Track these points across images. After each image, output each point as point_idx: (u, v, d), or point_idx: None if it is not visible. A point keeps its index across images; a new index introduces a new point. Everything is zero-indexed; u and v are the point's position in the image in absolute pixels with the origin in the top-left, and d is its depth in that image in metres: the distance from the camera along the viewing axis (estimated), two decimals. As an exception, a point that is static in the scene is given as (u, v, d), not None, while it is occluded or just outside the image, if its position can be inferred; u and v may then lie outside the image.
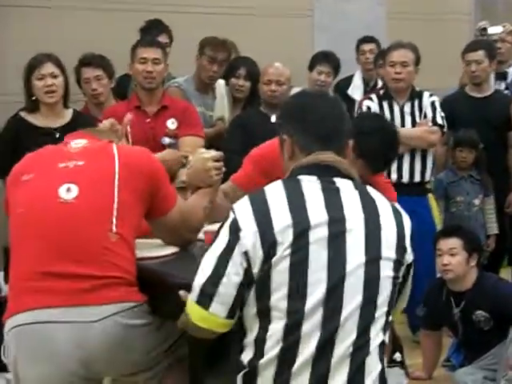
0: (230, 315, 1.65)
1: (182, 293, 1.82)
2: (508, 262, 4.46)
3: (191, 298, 1.67)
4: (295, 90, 4.20)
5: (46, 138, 2.75)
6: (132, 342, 1.93)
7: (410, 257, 1.73)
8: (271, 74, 3.74)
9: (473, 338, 3.14)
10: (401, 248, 1.70)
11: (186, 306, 1.78)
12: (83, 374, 1.91)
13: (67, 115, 3.33)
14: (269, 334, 1.61)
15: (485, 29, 4.73)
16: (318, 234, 1.61)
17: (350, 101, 4.36)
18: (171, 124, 3.42)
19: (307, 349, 1.60)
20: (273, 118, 3.76)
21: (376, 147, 2.44)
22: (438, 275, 3.28)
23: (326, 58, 4.46)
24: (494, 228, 4.04)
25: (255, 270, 1.61)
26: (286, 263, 1.60)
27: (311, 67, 4.47)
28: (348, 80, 4.82)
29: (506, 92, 4.51)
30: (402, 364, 2.95)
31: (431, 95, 3.86)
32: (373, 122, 2.63)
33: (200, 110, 3.83)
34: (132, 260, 1.99)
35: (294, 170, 1.72)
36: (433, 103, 3.83)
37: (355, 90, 4.75)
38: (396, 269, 1.69)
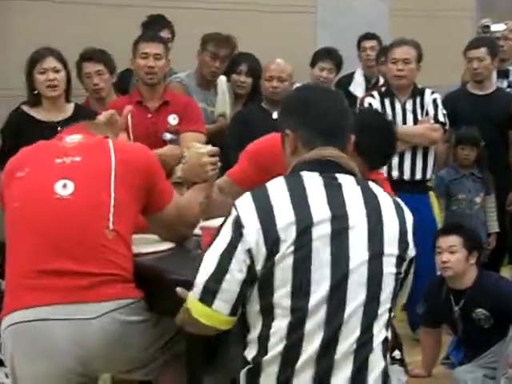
0: (233, 312, 1.65)
1: (179, 289, 1.81)
2: (509, 260, 4.46)
3: (194, 295, 1.66)
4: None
5: (49, 132, 2.75)
6: (129, 339, 1.93)
7: (412, 252, 1.73)
8: (273, 71, 3.73)
9: (473, 335, 3.14)
10: (403, 243, 1.70)
11: (183, 302, 1.78)
12: (81, 371, 1.91)
13: (69, 109, 3.33)
14: (272, 331, 1.61)
15: (487, 26, 4.73)
16: (321, 231, 1.61)
17: (352, 97, 4.35)
18: (172, 120, 3.41)
19: (311, 346, 1.60)
20: (274, 115, 3.75)
21: (373, 144, 2.43)
22: (439, 273, 3.28)
23: (329, 55, 4.45)
24: (494, 226, 4.03)
25: (258, 267, 1.60)
26: (290, 260, 1.59)
27: (313, 63, 4.46)
28: (350, 77, 4.82)
29: (508, 90, 4.50)
30: (401, 361, 2.94)
31: (433, 92, 3.85)
32: (370, 118, 2.62)
33: (201, 105, 3.83)
34: (129, 257, 1.99)
35: (296, 166, 1.71)
36: (435, 100, 3.82)
37: (357, 87, 4.74)
38: (398, 264, 1.69)
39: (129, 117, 3.35)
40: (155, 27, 4.14)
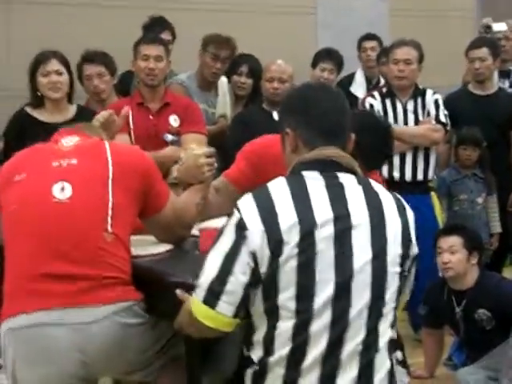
0: (236, 314, 1.64)
1: (178, 292, 1.82)
2: (511, 260, 4.45)
3: (197, 297, 1.66)
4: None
5: (51, 133, 2.75)
6: (129, 341, 1.93)
7: (415, 249, 1.73)
8: (274, 72, 3.72)
9: (475, 337, 3.13)
10: (406, 241, 1.70)
11: (182, 304, 1.78)
12: (82, 374, 1.90)
13: (72, 111, 3.34)
14: (277, 332, 1.61)
15: (489, 26, 4.72)
16: (325, 233, 1.61)
17: (353, 98, 4.35)
18: (173, 121, 3.41)
19: (317, 348, 1.60)
20: (275, 116, 3.75)
21: (370, 145, 2.43)
22: (440, 274, 3.27)
23: (329, 55, 4.45)
24: (497, 227, 4.03)
25: (262, 269, 1.60)
26: (294, 263, 1.59)
27: (314, 64, 4.46)
28: (350, 77, 4.82)
29: (509, 90, 4.50)
30: (403, 363, 2.93)
31: (434, 93, 3.85)
32: (365, 119, 2.62)
33: (202, 107, 3.83)
34: (127, 259, 1.98)
35: (297, 166, 1.70)
36: (436, 101, 3.82)
37: (358, 88, 4.74)
38: (402, 263, 1.69)
39: (130, 118, 3.38)
40: (156, 29, 4.14)
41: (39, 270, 1.90)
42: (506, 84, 4.60)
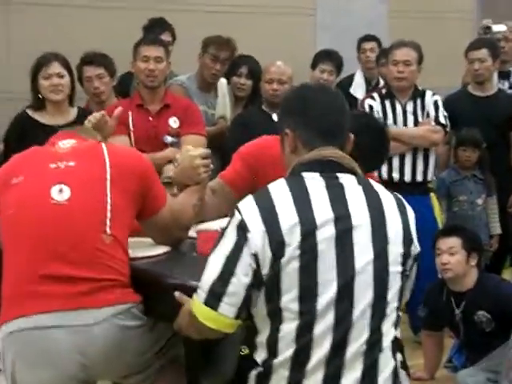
0: (238, 316, 1.64)
1: (177, 294, 1.82)
2: (510, 262, 4.45)
3: (199, 299, 1.65)
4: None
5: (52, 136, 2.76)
6: (128, 344, 1.92)
7: (416, 248, 1.74)
8: (273, 73, 3.72)
9: (474, 339, 3.13)
10: (407, 240, 1.70)
11: (181, 307, 1.78)
12: (82, 377, 1.90)
13: (72, 113, 3.35)
14: (281, 334, 1.61)
15: (489, 27, 4.72)
16: (326, 234, 1.61)
17: (352, 99, 4.35)
18: (173, 122, 3.41)
19: (321, 349, 1.60)
20: (274, 117, 3.74)
21: (365, 146, 2.43)
22: (440, 275, 3.27)
23: (329, 57, 4.45)
24: (496, 228, 4.02)
25: (264, 271, 1.60)
26: (296, 264, 1.59)
27: (314, 65, 4.46)
28: (350, 78, 4.82)
29: (509, 91, 4.49)
30: (403, 364, 2.93)
31: (434, 94, 3.85)
32: (360, 120, 2.62)
33: (202, 108, 3.83)
34: (126, 261, 1.98)
35: (297, 167, 1.70)
36: (435, 102, 3.82)
37: (357, 89, 4.74)
38: (404, 262, 1.70)
39: (130, 120, 3.39)
40: (156, 30, 4.15)
41: (38, 271, 1.89)
42: (506, 85, 4.60)
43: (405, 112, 3.81)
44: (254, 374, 1.65)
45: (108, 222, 1.94)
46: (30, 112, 3.35)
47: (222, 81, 4.09)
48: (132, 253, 2.06)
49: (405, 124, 3.80)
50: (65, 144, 2.08)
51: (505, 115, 4.06)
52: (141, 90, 3.47)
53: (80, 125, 2.33)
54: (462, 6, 6.07)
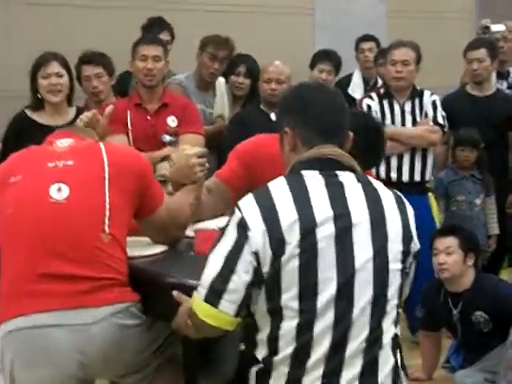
0: (238, 313, 1.64)
1: (175, 293, 1.82)
2: (508, 263, 4.44)
3: (199, 296, 1.65)
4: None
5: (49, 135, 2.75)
6: (126, 343, 1.92)
7: (416, 245, 1.74)
8: (271, 73, 3.72)
9: (472, 339, 3.12)
10: (407, 237, 1.71)
11: (179, 306, 1.79)
12: (81, 376, 1.90)
13: (71, 113, 3.35)
14: (281, 332, 1.62)
15: (487, 27, 4.72)
16: (325, 232, 1.61)
17: (350, 99, 4.35)
18: (171, 121, 3.41)
19: (321, 347, 1.61)
20: (273, 116, 3.75)
21: (362, 145, 2.43)
22: (436, 275, 3.26)
23: (327, 56, 4.45)
24: (495, 228, 4.02)
25: (265, 269, 1.60)
26: (296, 263, 1.59)
27: (312, 65, 4.46)
28: (348, 78, 4.81)
29: (507, 91, 4.49)
30: (401, 364, 2.93)
31: (432, 94, 3.85)
32: (357, 119, 2.62)
33: (200, 107, 3.83)
34: (124, 260, 1.98)
35: (296, 165, 1.71)
36: (434, 102, 3.82)
37: (355, 89, 4.74)
38: (404, 260, 1.70)
39: (128, 119, 3.39)
40: (155, 29, 4.15)
41: (36, 270, 1.89)
42: (504, 85, 4.60)
43: (403, 112, 3.81)
44: (254, 370, 1.66)
45: (106, 221, 1.94)
46: (28, 112, 3.36)
47: (221, 80, 4.09)
48: (129, 252, 2.06)
49: (403, 124, 3.80)
50: (63, 143, 2.08)
51: (503, 115, 4.06)
52: (139, 89, 3.48)
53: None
54: (461, 6, 6.07)
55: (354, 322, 1.62)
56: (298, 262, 1.59)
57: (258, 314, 1.65)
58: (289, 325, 1.61)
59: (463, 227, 3.33)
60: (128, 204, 2.02)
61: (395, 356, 1.70)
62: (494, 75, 4.39)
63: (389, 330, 1.67)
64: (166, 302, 1.87)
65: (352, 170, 1.72)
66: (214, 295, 1.62)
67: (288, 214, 1.61)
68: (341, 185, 1.68)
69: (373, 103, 3.81)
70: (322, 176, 1.67)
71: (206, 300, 1.63)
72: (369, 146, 2.45)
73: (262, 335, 1.65)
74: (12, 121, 3.39)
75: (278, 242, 1.59)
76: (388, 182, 3.60)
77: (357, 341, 1.62)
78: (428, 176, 3.84)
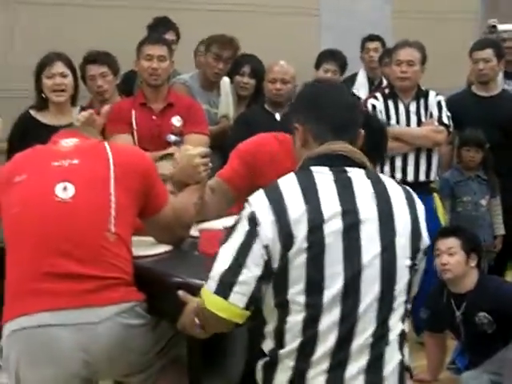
0: (248, 306, 1.65)
1: (180, 293, 1.82)
2: (514, 263, 4.43)
3: (209, 289, 1.66)
4: (301, 88, 4.20)
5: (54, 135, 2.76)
6: (131, 342, 1.92)
7: (425, 242, 1.74)
8: (276, 72, 3.72)
9: (476, 341, 3.11)
10: (416, 234, 1.71)
11: (184, 305, 1.79)
12: (85, 375, 1.90)
13: (75, 113, 3.35)
14: (287, 326, 1.63)
15: (494, 26, 4.71)
16: (333, 227, 1.62)
17: (356, 99, 4.34)
18: (176, 121, 3.41)
19: (326, 342, 1.61)
20: (277, 116, 3.75)
21: (365, 144, 2.42)
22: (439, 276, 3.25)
23: (333, 56, 4.45)
24: (500, 229, 4.00)
25: (274, 263, 1.61)
26: (303, 257, 1.60)
27: (317, 65, 4.46)
28: (353, 78, 4.81)
29: (514, 91, 4.48)
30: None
31: (437, 95, 3.84)
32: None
33: (205, 107, 3.83)
34: (129, 260, 1.98)
35: (306, 161, 1.72)
36: (439, 102, 3.81)
37: (360, 88, 4.74)
38: (413, 256, 1.70)
39: (133, 119, 3.39)
40: (160, 29, 4.15)
41: (42, 269, 1.89)
42: (511, 85, 4.58)
43: (408, 112, 3.80)
44: (260, 363, 1.68)
45: (112, 220, 1.94)
46: (32, 112, 3.37)
47: (225, 80, 4.09)
48: (134, 251, 2.06)
49: (408, 124, 3.79)
50: (67, 142, 2.08)
51: (509, 115, 4.04)
52: (144, 88, 3.48)
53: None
54: (466, 7, 6.05)
55: (361, 318, 1.62)
56: (305, 256, 1.60)
57: (265, 308, 1.66)
58: (295, 319, 1.62)
59: (465, 228, 3.32)
60: (133, 203, 2.02)
61: (402, 352, 1.70)
62: (500, 75, 4.38)
63: (396, 326, 1.68)
64: (170, 302, 1.87)
65: (362, 166, 1.72)
66: (225, 288, 1.63)
67: (296, 208, 1.61)
68: (349, 181, 1.68)
69: (378, 103, 3.80)
70: (331, 172, 1.68)
71: (216, 292, 1.64)
72: (372, 146, 2.44)
73: (269, 328, 1.66)
74: (17, 121, 3.41)
75: (286, 236, 1.60)
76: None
77: (363, 336, 1.63)
78: (433, 176, 3.83)
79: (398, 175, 3.75)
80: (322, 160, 1.69)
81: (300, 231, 1.60)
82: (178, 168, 2.34)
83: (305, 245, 1.60)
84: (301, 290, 1.61)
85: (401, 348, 1.70)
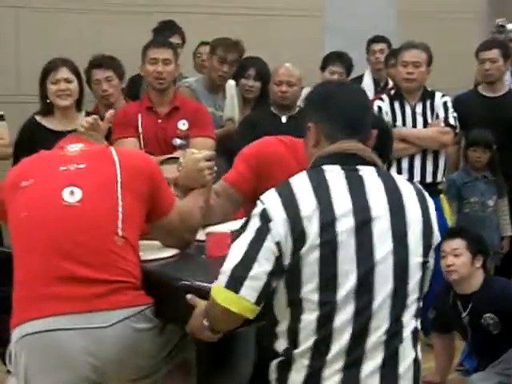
0: (259, 301, 1.65)
1: (189, 296, 1.82)
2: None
3: (219, 284, 1.66)
4: (306, 91, 4.20)
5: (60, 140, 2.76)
6: (139, 346, 1.92)
7: (437, 238, 1.75)
8: (282, 75, 3.71)
9: (482, 342, 3.10)
10: (428, 231, 1.71)
11: (193, 309, 1.79)
12: (94, 378, 1.90)
13: (80, 118, 3.35)
14: (301, 325, 1.63)
15: (503, 26, 4.70)
16: (345, 225, 1.63)
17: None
18: (182, 125, 3.41)
19: (341, 339, 1.62)
20: (283, 119, 3.74)
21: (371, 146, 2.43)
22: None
23: (339, 58, 4.44)
24: (508, 229, 4.00)
25: (286, 260, 1.62)
26: (316, 255, 1.61)
27: (323, 67, 4.45)
28: (358, 80, 4.80)
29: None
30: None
31: (443, 95, 3.83)
32: None
33: (210, 110, 3.83)
34: (137, 264, 1.98)
35: (318, 160, 1.73)
36: (445, 103, 3.80)
37: (366, 90, 4.71)
38: (425, 253, 1.71)
39: (139, 122, 3.39)
40: (166, 33, 4.16)
41: (50, 273, 1.89)
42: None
43: (414, 113, 3.79)
44: (274, 363, 1.67)
45: (120, 224, 1.94)
46: (38, 118, 3.39)
47: (231, 83, 4.09)
48: (143, 255, 2.06)
49: (414, 125, 3.78)
50: (73, 147, 2.09)
51: (515, 116, 4.03)
52: (150, 92, 3.48)
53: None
54: (472, 7, 6.04)
55: (374, 315, 1.63)
56: (318, 254, 1.60)
57: (277, 306, 1.67)
58: (309, 317, 1.62)
59: (470, 229, 3.31)
60: (140, 207, 2.02)
61: (416, 350, 1.71)
62: (508, 75, 4.36)
63: (409, 323, 1.68)
64: (178, 305, 1.86)
65: (373, 164, 1.73)
66: (236, 282, 1.63)
67: (308, 204, 1.62)
68: (361, 179, 1.69)
69: (383, 105, 3.80)
70: (342, 170, 1.69)
71: (227, 287, 1.64)
72: (378, 147, 2.44)
73: (282, 327, 1.66)
74: (22, 127, 3.42)
75: (298, 233, 1.61)
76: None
77: (377, 333, 1.63)
78: (440, 177, 3.82)
79: (405, 177, 3.74)
80: (333, 158, 1.70)
81: (312, 228, 1.61)
82: (182, 172, 2.34)
83: (317, 241, 1.61)
84: (314, 287, 1.61)
85: (414, 345, 1.70)
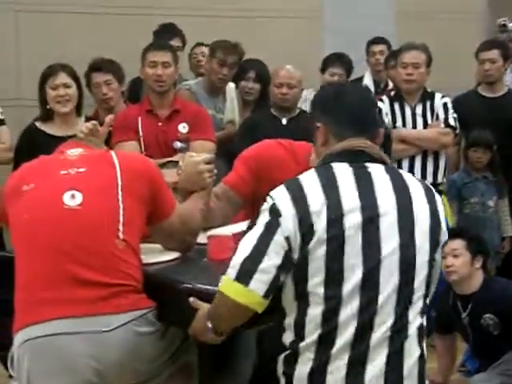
0: (267, 295, 1.66)
1: (191, 299, 1.82)
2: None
3: (229, 277, 1.67)
4: (306, 93, 4.20)
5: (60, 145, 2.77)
6: (141, 350, 1.92)
7: (445, 235, 1.75)
8: (282, 77, 3.72)
9: (483, 342, 3.10)
10: (435, 228, 1.72)
11: (195, 312, 1.79)
12: (96, 382, 1.90)
13: (80, 123, 3.35)
14: (307, 318, 1.64)
15: (505, 25, 4.70)
16: (352, 220, 1.64)
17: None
18: (182, 128, 3.41)
19: (346, 334, 1.63)
20: (284, 121, 3.75)
21: None
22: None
23: (339, 60, 4.44)
24: (508, 230, 4.00)
25: (295, 254, 1.63)
26: (323, 250, 1.62)
27: (323, 69, 4.45)
28: (358, 81, 4.79)
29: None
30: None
31: (443, 96, 3.84)
32: None
33: (210, 112, 3.83)
34: (139, 267, 1.98)
35: (327, 157, 1.74)
36: (445, 104, 3.81)
37: (366, 91, 4.71)
38: (432, 250, 1.71)
39: (139, 125, 3.39)
40: (166, 36, 4.16)
41: (51, 277, 1.89)
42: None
43: (414, 114, 3.80)
44: (281, 357, 1.69)
45: (121, 227, 1.94)
46: (38, 124, 3.39)
47: (231, 85, 4.09)
48: (144, 258, 2.05)
49: (414, 126, 3.79)
50: (73, 152, 2.10)
51: (515, 116, 4.03)
52: (150, 95, 3.48)
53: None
54: (472, 7, 6.03)
55: (379, 310, 1.63)
56: (325, 248, 1.62)
57: (285, 299, 1.68)
58: (314, 311, 1.63)
59: (470, 229, 3.32)
60: (141, 209, 2.02)
61: (421, 347, 1.71)
62: (508, 76, 4.36)
63: (414, 320, 1.68)
64: (181, 308, 1.86)
65: (382, 161, 1.74)
66: (245, 275, 1.64)
67: (317, 200, 1.64)
68: (369, 176, 1.70)
69: (384, 106, 3.80)
70: (351, 167, 1.70)
71: (236, 279, 1.65)
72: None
73: (289, 320, 1.68)
74: (22, 133, 3.44)
75: (307, 228, 1.62)
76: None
77: (382, 329, 1.64)
78: (440, 178, 3.82)
79: (405, 177, 3.73)
80: (342, 156, 1.72)
81: (320, 223, 1.62)
82: (182, 175, 2.34)
83: (325, 236, 1.62)
84: (320, 281, 1.62)
85: (420, 342, 1.70)
